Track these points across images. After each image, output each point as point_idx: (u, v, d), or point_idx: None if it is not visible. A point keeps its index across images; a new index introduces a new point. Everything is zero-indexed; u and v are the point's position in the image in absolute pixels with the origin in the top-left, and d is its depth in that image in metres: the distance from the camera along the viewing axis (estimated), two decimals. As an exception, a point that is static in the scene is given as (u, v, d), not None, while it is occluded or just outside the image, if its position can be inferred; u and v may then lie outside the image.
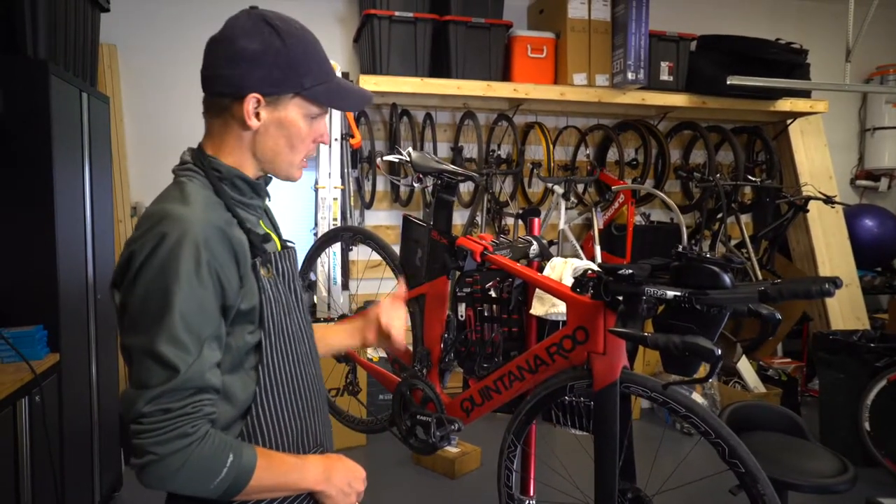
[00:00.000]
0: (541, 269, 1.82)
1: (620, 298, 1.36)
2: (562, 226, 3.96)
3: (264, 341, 1.02)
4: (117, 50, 3.78)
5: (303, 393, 1.11)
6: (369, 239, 2.01)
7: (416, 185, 1.62)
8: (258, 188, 1.08)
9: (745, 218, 4.77)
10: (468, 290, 1.94)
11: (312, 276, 3.78)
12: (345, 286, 4.04)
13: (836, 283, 1.13)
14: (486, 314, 1.90)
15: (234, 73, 0.99)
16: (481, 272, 1.85)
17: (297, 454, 1.08)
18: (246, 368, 1.02)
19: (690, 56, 4.25)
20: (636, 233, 4.22)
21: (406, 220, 1.90)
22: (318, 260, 3.74)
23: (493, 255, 1.66)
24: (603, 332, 1.41)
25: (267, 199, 1.14)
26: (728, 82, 3.98)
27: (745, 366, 4.17)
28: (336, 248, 3.92)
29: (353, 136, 3.90)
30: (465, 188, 4.39)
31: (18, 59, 2.22)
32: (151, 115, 3.89)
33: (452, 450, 3.36)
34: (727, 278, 1.23)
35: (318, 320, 3.51)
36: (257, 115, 1.02)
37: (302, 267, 2.20)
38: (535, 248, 1.85)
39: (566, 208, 4.01)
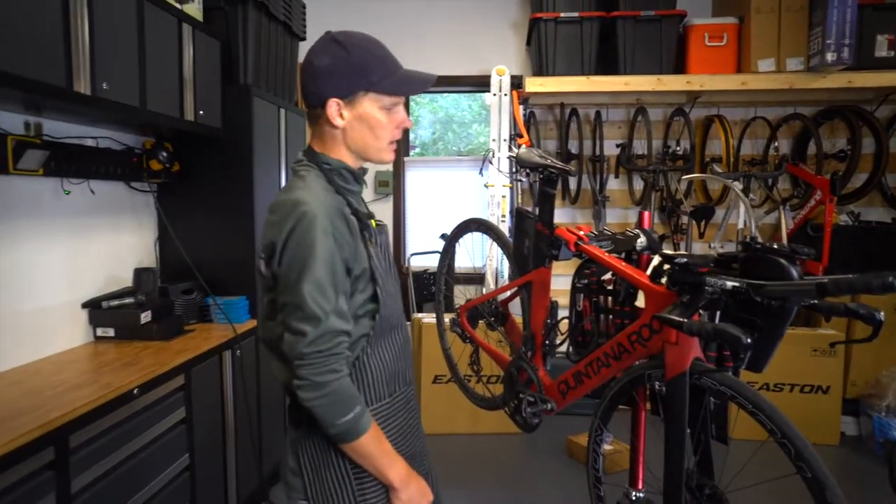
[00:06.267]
0: (649, 262, 1.82)
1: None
2: (740, 225, 3.67)
3: (379, 295, 1.26)
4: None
5: (398, 339, 1.35)
6: (489, 230, 2.17)
7: (523, 179, 1.73)
8: (358, 177, 1.33)
9: None
10: (585, 281, 2.00)
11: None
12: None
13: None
14: (600, 305, 1.95)
15: (317, 87, 1.24)
16: (598, 264, 1.89)
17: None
18: (360, 318, 1.26)
19: (917, 27, 3.63)
20: (841, 235, 3.74)
21: (518, 212, 2.02)
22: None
23: (585, 246, 1.72)
24: (674, 321, 1.40)
25: (364, 187, 1.38)
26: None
27: None
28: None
29: (521, 136, 4.06)
30: (638, 186, 4.28)
31: (233, 86, 2.84)
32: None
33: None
34: (794, 270, 1.17)
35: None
36: (340, 115, 1.25)
37: (440, 259, 2.40)
38: (642, 240, 1.84)
39: (752, 206, 3.70)
